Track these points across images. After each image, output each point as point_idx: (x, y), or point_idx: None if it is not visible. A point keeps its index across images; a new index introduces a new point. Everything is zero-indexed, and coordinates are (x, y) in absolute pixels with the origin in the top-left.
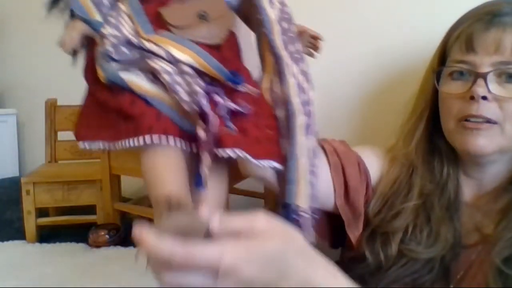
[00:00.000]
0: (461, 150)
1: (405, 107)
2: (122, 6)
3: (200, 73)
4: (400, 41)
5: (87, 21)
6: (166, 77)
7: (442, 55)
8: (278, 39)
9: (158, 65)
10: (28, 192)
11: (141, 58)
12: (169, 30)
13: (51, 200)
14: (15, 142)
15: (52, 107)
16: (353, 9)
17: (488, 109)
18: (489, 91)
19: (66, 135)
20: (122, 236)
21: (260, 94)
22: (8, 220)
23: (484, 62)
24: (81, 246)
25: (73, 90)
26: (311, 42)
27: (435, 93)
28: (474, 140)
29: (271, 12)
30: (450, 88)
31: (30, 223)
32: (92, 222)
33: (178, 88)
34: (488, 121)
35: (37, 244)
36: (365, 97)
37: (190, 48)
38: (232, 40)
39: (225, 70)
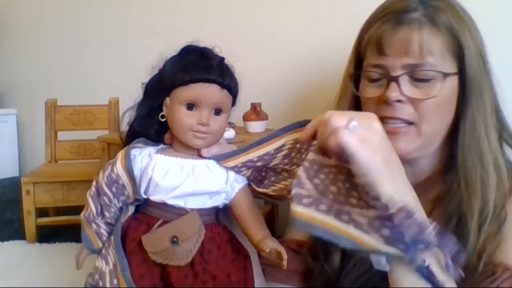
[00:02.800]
0: None
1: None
2: (112, 242)
3: None
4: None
5: (92, 250)
6: None
7: (357, 58)
8: None
9: None
10: (28, 192)
11: None
12: (146, 255)
13: (51, 200)
14: (15, 142)
15: (52, 107)
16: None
17: (403, 111)
18: (402, 94)
19: (66, 135)
20: None
21: None
22: (8, 220)
23: (396, 64)
24: (81, 246)
25: (73, 90)
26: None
27: (356, 96)
28: (392, 144)
29: None
30: (368, 92)
31: (30, 223)
32: None
33: None
34: (405, 122)
35: (37, 244)
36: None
37: None
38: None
39: None
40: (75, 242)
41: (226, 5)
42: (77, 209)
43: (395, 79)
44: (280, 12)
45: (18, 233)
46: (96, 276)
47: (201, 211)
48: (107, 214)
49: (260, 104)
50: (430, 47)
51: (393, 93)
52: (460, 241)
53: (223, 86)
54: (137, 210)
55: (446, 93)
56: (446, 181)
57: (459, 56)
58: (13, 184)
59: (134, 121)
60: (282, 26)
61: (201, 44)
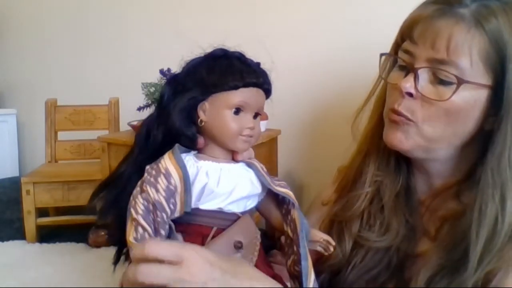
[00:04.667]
0: (384, 142)
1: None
2: None
3: None
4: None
5: None
6: None
7: (398, 40)
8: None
9: None
10: (28, 192)
11: None
12: None
13: (51, 200)
14: (15, 142)
15: (52, 107)
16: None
17: (409, 108)
18: (416, 88)
19: (66, 135)
20: (121, 236)
21: None
22: (8, 220)
23: (421, 55)
24: (81, 246)
25: (73, 90)
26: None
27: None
28: (391, 133)
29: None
30: (391, 77)
31: (30, 223)
32: (92, 222)
33: None
34: (407, 118)
35: (37, 244)
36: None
37: None
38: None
39: None
40: (75, 242)
41: (227, 6)
42: (77, 209)
43: (415, 71)
44: (281, 13)
45: (18, 233)
46: None
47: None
48: (162, 232)
49: None
50: (460, 47)
51: (407, 84)
52: (458, 275)
53: (265, 90)
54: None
55: (461, 101)
56: (461, 201)
57: (498, 69)
58: (13, 184)
59: (162, 129)
60: (284, 27)
61: (226, 47)
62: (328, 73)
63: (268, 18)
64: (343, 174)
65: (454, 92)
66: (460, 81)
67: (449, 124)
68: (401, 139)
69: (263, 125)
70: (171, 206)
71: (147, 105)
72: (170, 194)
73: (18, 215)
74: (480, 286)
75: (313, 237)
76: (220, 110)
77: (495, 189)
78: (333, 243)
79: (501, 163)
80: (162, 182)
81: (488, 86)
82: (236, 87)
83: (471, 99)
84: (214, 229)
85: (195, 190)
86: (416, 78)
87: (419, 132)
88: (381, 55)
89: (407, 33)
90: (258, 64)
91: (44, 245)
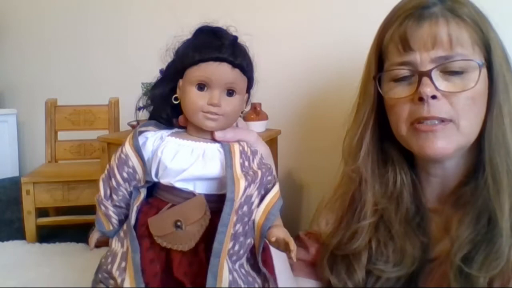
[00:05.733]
0: (420, 155)
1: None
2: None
3: None
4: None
5: (103, 232)
6: None
7: (378, 60)
8: None
9: None
10: (28, 192)
11: None
12: (154, 238)
13: (51, 200)
14: (15, 142)
15: (52, 107)
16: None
17: (440, 109)
18: (436, 89)
19: (66, 135)
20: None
21: None
22: (8, 220)
23: (424, 59)
24: (81, 246)
25: (73, 90)
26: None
27: (378, 99)
28: (431, 143)
29: None
30: (396, 92)
31: (30, 223)
32: (92, 222)
33: None
34: (442, 120)
35: (37, 244)
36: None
37: None
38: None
39: None
40: (75, 242)
41: (226, 6)
42: (77, 209)
43: (428, 74)
44: (280, 12)
45: (18, 233)
46: (109, 258)
47: (210, 197)
48: (115, 197)
49: (260, 104)
50: (459, 38)
51: (427, 88)
52: (492, 244)
53: (234, 65)
54: (150, 194)
55: (480, 85)
56: (473, 181)
57: (484, 48)
58: (13, 184)
59: (148, 105)
60: (282, 26)
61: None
62: (329, 74)
63: (269, 18)
64: (338, 201)
65: (478, 78)
66: (480, 65)
67: (477, 112)
68: (443, 145)
69: (263, 125)
70: (125, 176)
71: (147, 105)
72: (121, 162)
73: (18, 215)
74: None
75: (268, 236)
76: (186, 86)
77: (500, 149)
78: (292, 247)
79: (501, 125)
80: (118, 151)
81: (485, 65)
82: (195, 63)
83: (483, 81)
84: (169, 205)
85: (154, 164)
86: (431, 80)
87: (459, 130)
88: (374, 78)
89: (396, 47)
90: (234, 38)
91: (44, 245)
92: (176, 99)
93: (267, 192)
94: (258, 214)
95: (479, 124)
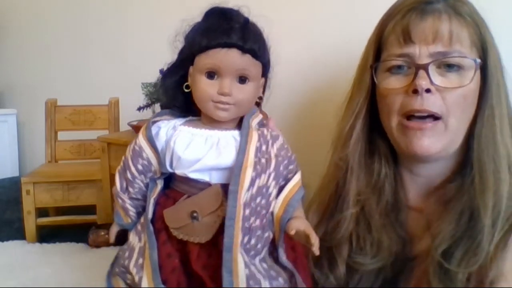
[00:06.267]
0: (406, 152)
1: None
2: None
3: None
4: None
5: (121, 224)
6: None
7: (377, 50)
8: None
9: None
10: (28, 192)
11: None
12: (170, 231)
13: (51, 200)
14: (15, 142)
15: (52, 107)
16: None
17: (432, 103)
18: (432, 83)
19: (66, 135)
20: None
21: None
22: (8, 220)
23: (423, 52)
24: (81, 246)
25: (73, 90)
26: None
27: (372, 90)
28: (418, 141)
29: None
30: (390, 83)
31: (30, 223)
32: (92, 222)
33: None
34: (432, 116)
35: (37, 244)
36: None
37: None
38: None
39: None
40: (75, 242)
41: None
42: (77, 209)
43: (425, 67)
44: (280, 11)
45: (18, 233)
46: (127, 253)
47: (228, 187)
48: (131, 189)
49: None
50: (459, 36)
51: (423, 81)
52: (472, 241)
53: (244, 50)
54: (168, 185)
55: (474, 84)
56: (460, 178)
57: (482, 49)
58: (13, 184)
59: (161, 93)
60: (282, 25)
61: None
62: (330, 75)
63: (271, 17)
64: (323, 193)
65: (474, 76)
66: (476, 63)
67: (466, 111)
68: (430, 144)
69: None
70: (140, 168)
71: (147, 105)
72: (136, 154)
73: (18, 215)
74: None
75: (287, 229)
76: (196, 75)
77: (489, 149)
78: (313, 240)
79: (493, 126)
80: (133, 143)
81: (480, 66)
82: (203, 49)
83: (476, 80)
84: (185, 196)
85: (168, 154)
86: (428, 73)
87: (446, 128)
88: (371, 67)
89: (397, 38)
90: (246, 20)
91: (44, 245)
92: (187, 87)
93: (287, 182)
94: (277, 206)
95: (466, 123)
